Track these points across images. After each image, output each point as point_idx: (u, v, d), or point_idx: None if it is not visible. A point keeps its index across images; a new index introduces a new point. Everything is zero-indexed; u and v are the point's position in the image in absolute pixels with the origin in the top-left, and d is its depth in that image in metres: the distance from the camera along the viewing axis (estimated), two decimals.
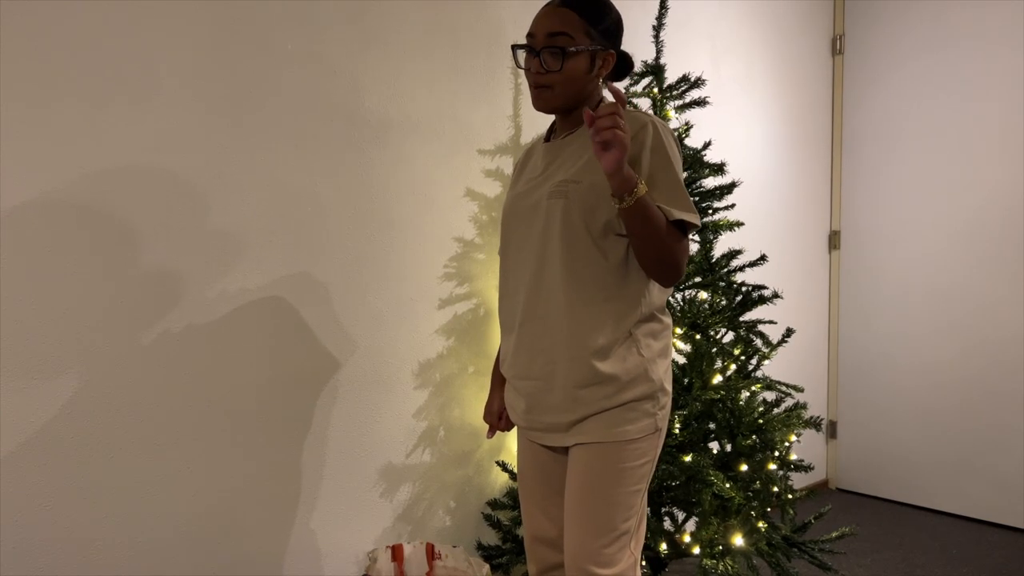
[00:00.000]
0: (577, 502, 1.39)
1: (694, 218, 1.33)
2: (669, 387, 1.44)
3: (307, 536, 1.95)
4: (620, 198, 1.24)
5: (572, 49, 1.35)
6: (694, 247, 2.22)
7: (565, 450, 1.45)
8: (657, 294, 1.43)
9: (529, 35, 1.40)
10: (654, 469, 1.43)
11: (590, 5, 1.38)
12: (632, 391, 1.36)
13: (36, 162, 1.52)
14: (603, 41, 1.39)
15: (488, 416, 1.69)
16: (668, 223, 1.30)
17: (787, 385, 2.21)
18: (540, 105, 1.42)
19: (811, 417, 2.17)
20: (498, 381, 1.67)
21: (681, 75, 2.22)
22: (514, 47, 1.43)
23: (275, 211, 1.87)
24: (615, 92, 1.23)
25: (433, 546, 1.96)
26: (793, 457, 2.14)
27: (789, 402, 2.25)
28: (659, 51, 2.22)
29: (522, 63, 1.43)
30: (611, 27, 1.40)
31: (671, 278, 1.35)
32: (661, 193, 1.32)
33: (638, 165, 1.33)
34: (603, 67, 1.41)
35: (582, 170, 1.37)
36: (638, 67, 2.27)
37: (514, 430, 1.85)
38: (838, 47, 3.76)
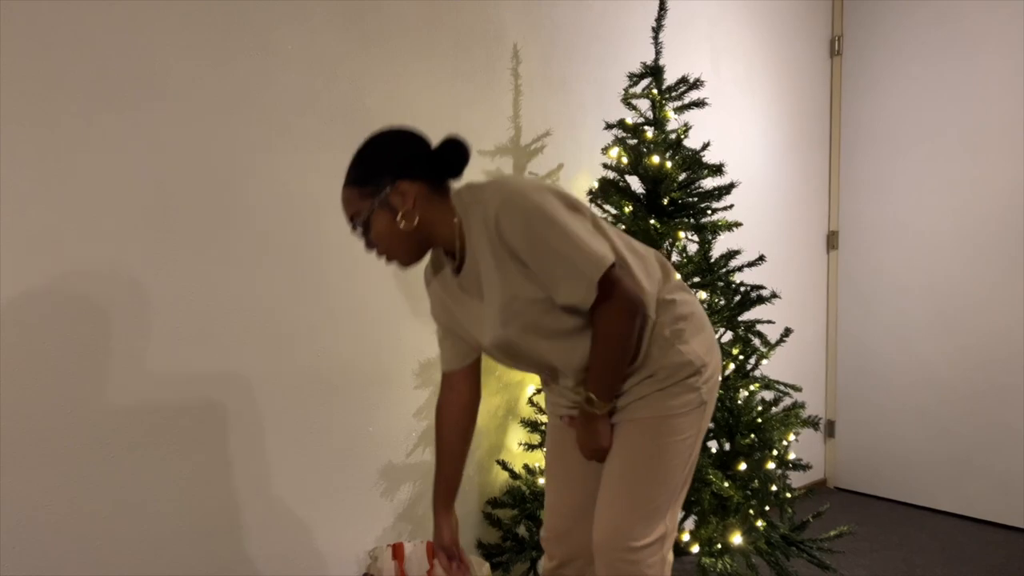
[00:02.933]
0: (614, 476, 1.39)
1: (600, 267, 1.22)
2: (712, 357, 1.41)
3: (307, 536, 1.96)
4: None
5: (360, 222, 1.30)
6: (693, 247, 2.23)
7: None
8: (652, 286, 1.37)
9: None
10: (700, 440, 1.41)
11: (353, 171, 1.30)
12: (676, 375, 1.36)
13: (36, 162, 1.52)
14: (381, 186, 1.27)
15: (440, 551, 1.54)
16: (601, 340, 1.29)
17: (785, 384, 2.22)
18: (401, 267, 1.39)
19: (809, 416, 2.18)
20: (443, 505, 1.53)
21: (680, 76, 2.23)
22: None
23: (275, 211, 1.88)
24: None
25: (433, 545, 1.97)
26: (791, 456, 2.15)
27: (787, 401, 2.25)
28: (658, 52, 2.23)
29: None
30: (381, 166, 1.28)
31: (636, 325, 1.30)
32: (554, 271, 1.23)
33: (515, 257, 1.25)
34: (403, 200, 1.27)
35: (506, 287, 1.29)
36: (638, 68, 2.28)
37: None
38: (836, 48, 3.77)
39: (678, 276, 1.46)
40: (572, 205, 1.29)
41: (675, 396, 1.36)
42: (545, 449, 1.65)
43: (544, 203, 1.24)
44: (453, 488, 1.54)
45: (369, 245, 1.33)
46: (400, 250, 1.33)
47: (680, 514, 1.46)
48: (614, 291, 1.25)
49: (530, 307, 1.29)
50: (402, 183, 1.27)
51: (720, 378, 1.46)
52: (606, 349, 1.30)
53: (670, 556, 1.41)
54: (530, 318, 1.30)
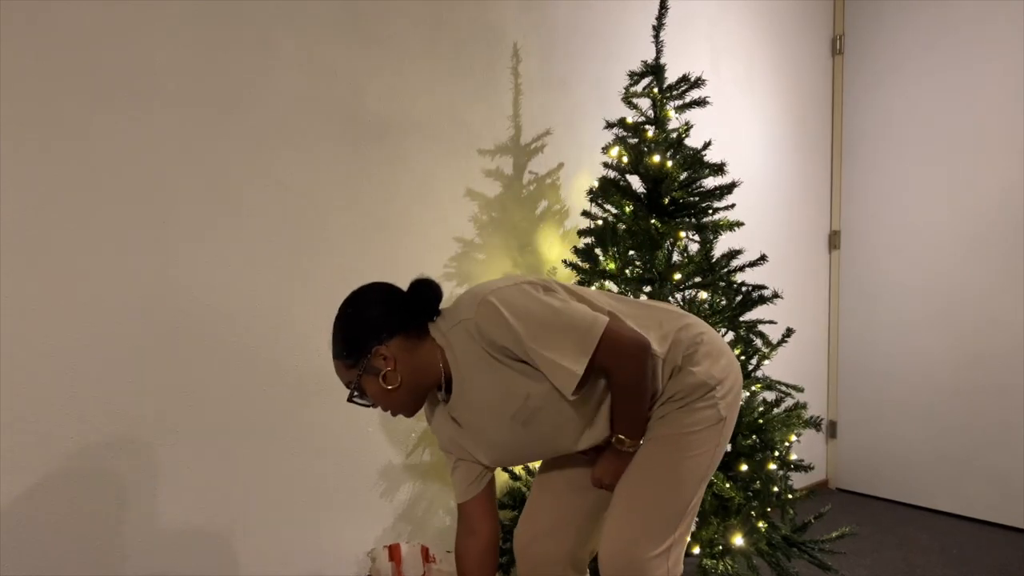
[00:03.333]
0: (627, 489, 1.40)
1: (597, 330, 1.25)
2: (727, 373, 1.42)
3: (307, 536, 1.95)
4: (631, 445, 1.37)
5: (352, 390, 1.35)
6: (694, 247, 2.22)
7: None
8: (650, 328, 1.39)
9: None
10: (717, 457, 1.42)
11: (335, 344, 1.35)
12: (692, 395, 1.39)
13: (36, 162, 1.52)
14: (360, 355, 1.32)
15: None
16: (622, 391, 1.32)
17: (787, 385, 2.21)
18: (407, 416, 1.41)
19: (811, 417, 2.17)
20: None
21: (681, 75, 2.22)
22: None
23: (274, 211, 1.87)
24: None
25: (428, 549, 1.96)
26: (793, 457, 2.14)
27: (789, 402, 2.25)
28: (659, 51, 2.22)
29: None
30: (356, 338, 1.32)
31: (648, 365, 1.32)
32: (554, 364, 1.25)
33: (511, 358, 1.29)
34: (386, 362, 1.32)
35: (515, 389, 1.32)
36: (638, 67, 2.27)
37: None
38: (838, 47, 3.77)
39: (680, 311, 1.48)
40: (545, 287, 1.32)
41: (692, 413, 1.38)
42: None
43: (516, 301, 1.27)
44: None
45: (372, 405, 1.38)
46: (398, 404, 1.36)
47: (693, 526, 1.47)
48: (618, 344, 1.27)
49: (547, 397, 1.31)
50: (379, 349, 1.31)
51: (740, 391, 1.47)
52: (626, 396, 1.32)
53: (678, 568, 1.41)
54: (552, 409, 1.32)
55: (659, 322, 1.41)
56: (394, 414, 1.39)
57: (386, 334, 1.32)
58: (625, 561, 1.35)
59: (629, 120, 2.24)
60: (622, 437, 1.37)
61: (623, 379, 1.30)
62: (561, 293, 1.34)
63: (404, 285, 2.13)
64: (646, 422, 1.39)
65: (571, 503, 1.57)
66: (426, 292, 1.36)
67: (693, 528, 2.08)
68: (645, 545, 1.34)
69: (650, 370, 1.32)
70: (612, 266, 2.12)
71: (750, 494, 2.05)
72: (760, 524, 2.05)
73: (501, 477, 2.35)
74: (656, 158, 2.12)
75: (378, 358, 1.32)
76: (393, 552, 1.90)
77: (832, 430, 3.83)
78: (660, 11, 2.21)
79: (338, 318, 1.36)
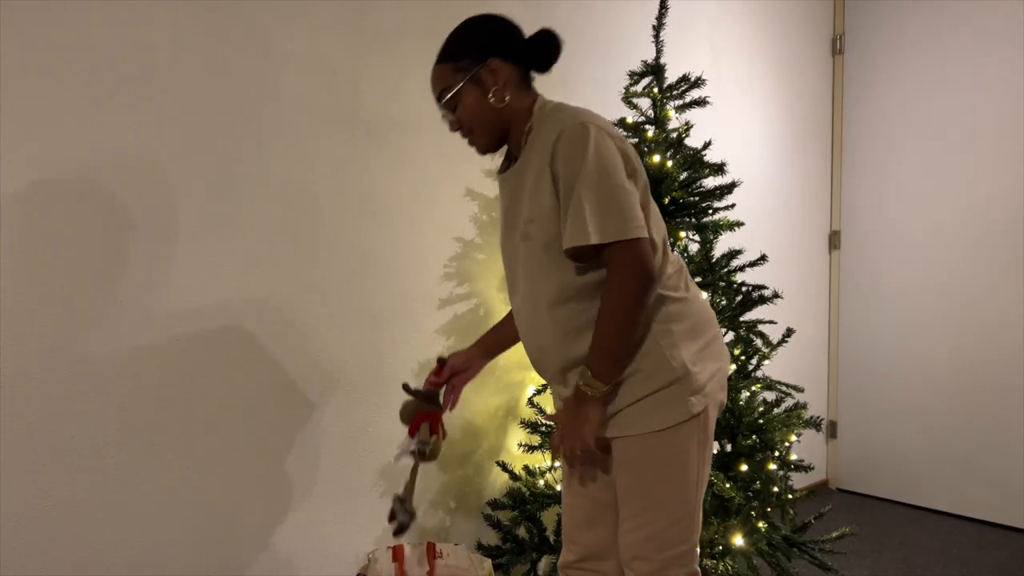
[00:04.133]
0: (622, 500, 1.39)
1: (627, 231, 1.21)
2: (704, 365, 1.35)
3: (307, 536, 1.95)
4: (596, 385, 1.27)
5: (448, 96, 1.32)
6: (694, 247, 2.22)
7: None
8: (665, 274, 1.36)
9: None
10: (704, 456, 1.37)
11: (447, 44, 1.33)
12: (656, 380, 1.31)
13: (35, 162, 1.51)
14: (474, 61, 1.30)
15: (440, 365, 1.58)
16: (607, 315, 1.25)
17: (787, 385, 2.21)
18: (479, 151, 1.40)
19: (811, 417, 2.17)
20: (481, 342, 1.62)
21: (681, 75, 2.22)
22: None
23: (275, 211, 1.87)
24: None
25: (435, 545, 1.96)
26: (793, 457, 2.14)
27: (789, 402, 2.25)
28: (659, 51, 2.22)
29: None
30: (475, 43, 1.31)
31: (646, 302, 1.27)
32: (582, 214, 1.21)
33: (554, 185, 1.26)
34: (495, 78, 1.31)
35: (531, 206, 1.31)
36: (638, 67, 2.27)
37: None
38: (838, 47, 3.77)
39: (694, 290, 1.44)
40: (632, 170, 1.29)
41: (656, 410, 1.32)
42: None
43: (607, 150, 1.24)
44: (496, 341, 1.60)
45: (453, 125, 1.36)
46: (484, 129, 1.35)
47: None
48: (632, 258, 1.22)
49: (540, 237, 1.29)
50: (494, 61, 1.30)
51: (722, 385, 1.42)
52: (607, 310, 1.25)
53: (694, 565, 1.40)
54: (536, 248, 1.31)
55: (668, 282, 1.37)
56: (472, 141, 1.36)
57: (503, 53, 1.30)
58: (641, 570, 1.37)
59: (629, 120, 2.24)
60: (588, 372, 1.26)
61: (612, 288, 1.24)
62: (640, 183, 1.31)
63: (404, 286, 2.14)
64: (618, 364, 1.29)
65: (594, 497, 1.53)
66: (548, 40, 1.34)
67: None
68: (653, 554, 1.35)
69: (645, 307, 1.26)
70: None
71: (750, 494, 2.05)
72: (760, 524, 2.05)
73: (501, 477, 2.35)
74: (656, 158, 2.12)
75: (488, 72, 1.30)
76: (396, 553, 1.90)
77: (832, 430, 3.83)
78: (660, 11, 2.21)
79: (461, 24, 1.34)
